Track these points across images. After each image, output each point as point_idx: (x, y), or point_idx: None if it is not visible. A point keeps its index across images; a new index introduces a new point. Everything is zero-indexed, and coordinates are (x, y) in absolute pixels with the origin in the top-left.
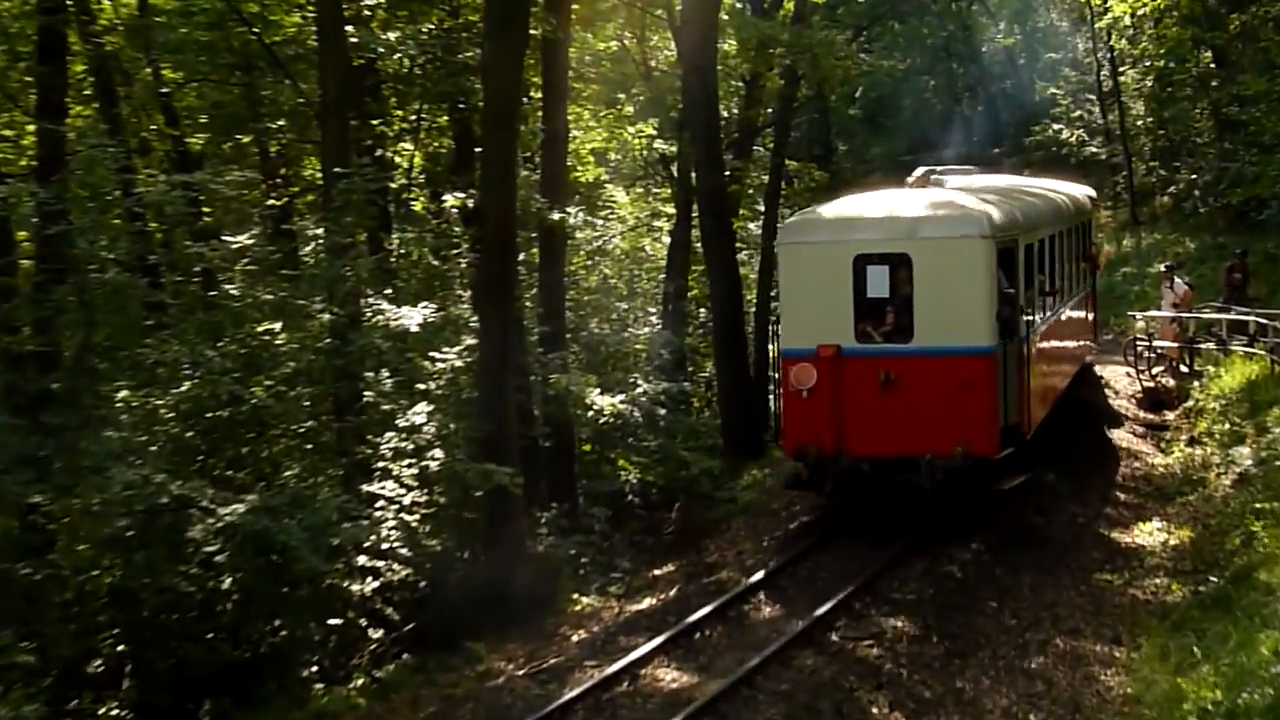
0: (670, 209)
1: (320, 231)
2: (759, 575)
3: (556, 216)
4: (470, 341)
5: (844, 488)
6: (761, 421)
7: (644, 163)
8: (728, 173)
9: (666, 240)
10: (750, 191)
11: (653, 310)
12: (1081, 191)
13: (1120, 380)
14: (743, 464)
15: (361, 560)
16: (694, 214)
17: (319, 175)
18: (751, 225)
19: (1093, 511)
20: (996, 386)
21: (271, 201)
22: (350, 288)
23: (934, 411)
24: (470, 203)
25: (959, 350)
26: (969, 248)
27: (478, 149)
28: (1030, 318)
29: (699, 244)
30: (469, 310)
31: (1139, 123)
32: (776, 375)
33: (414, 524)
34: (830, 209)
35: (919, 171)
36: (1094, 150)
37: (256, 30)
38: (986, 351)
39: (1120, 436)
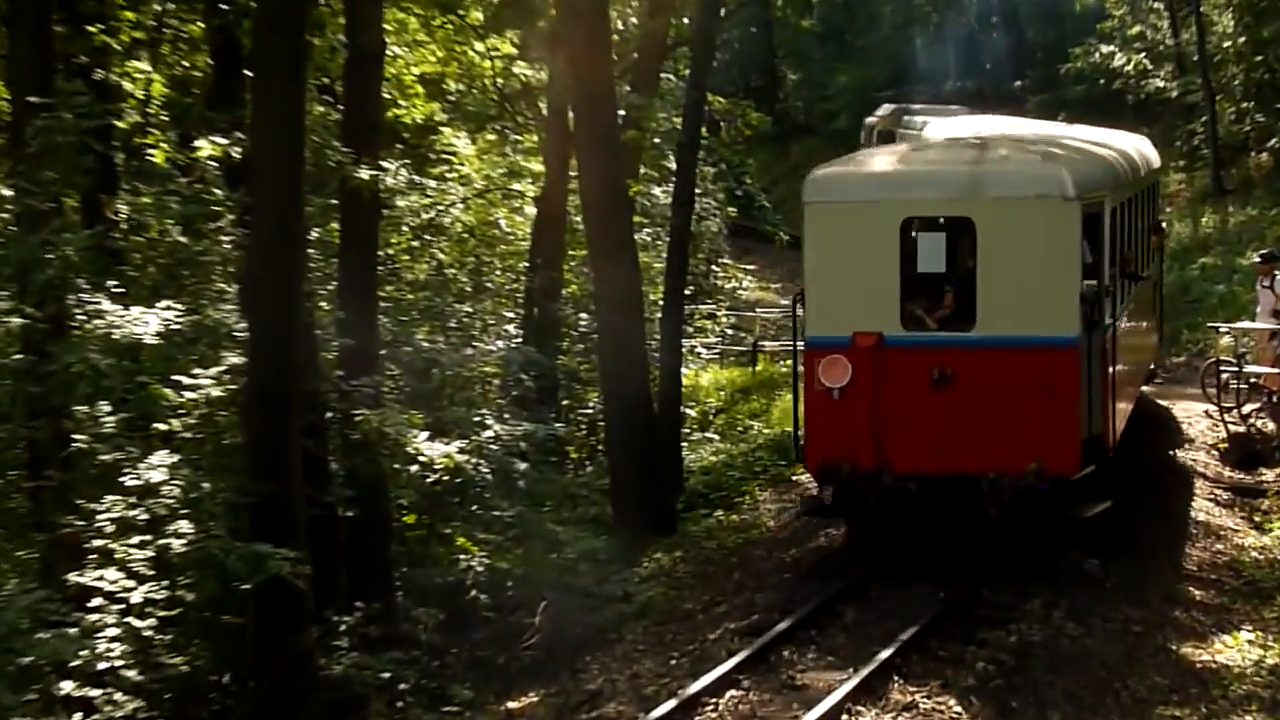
0: (537, 165)
1: (5, 192)
2: (662, 710)
3: (366, 175)
4: (235, 360)
5: (884, 514)
6: (671, 480)
7: (499, 97)
8: (622, 113)
9: (531, 212)
10: (656, 141)
11: (510, 316)
12: (1143, 145)
13: (1195, 421)
14: (643, 543)
15: (67, 688)
16: (573, 173)
17: (5, 107)
18: (657, 191)
19: (1155, 615)
20: (1080, 388)
21: None
22: (51, 277)
23: (1001, 418)
24: (237, 152)
25: (1035, 341)
26: (1050, 210)
27: (248, 71)
28: (1113, 304)
29: (579, 218)
30: (234, 314)
31: (1226, 45)
32: (800, 369)
33: (148, 633)
34: (871, 159)
35: (882, 111)
36: (1161, 84)
37: None
38: (1069, 343)
39: (1195, 503)
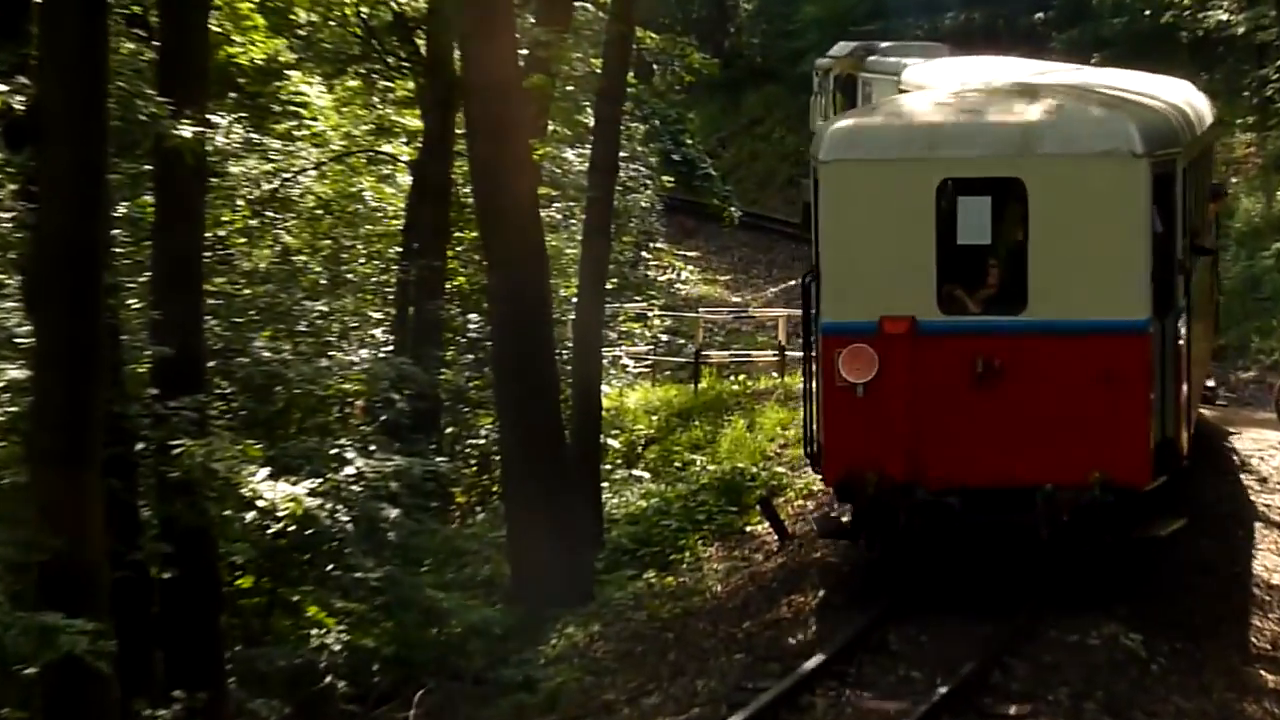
0: (413, 120)
1: None
2: None
3: (188, 132)
4: (16, 374)
5: (917, 535)
6: (587, 532)
7: (363, 31)
8: (524, 52)
9: (405, 182)
10: (569, 89)
11: (378, 317)
12: (1193, 95)
13: (1269, 455)
14: (550, 614)
15: None
16: (459, 130)
17: None
18: (570, 154)
19: (1215, 708)
20: (1151, 381)
21: None
22: None
23: (1057, 418)
24: (19, 102)
25: (1097, 326)
26: (1115, 170)
27: None
28: (1186, 283)
29: (467, 189)
30: (16, 315)
31: None
32: (813, 359)
33: None
34: (897, 108)
35: (839, 50)
36: (1224, 17)
37: None
38: (1138, 328)
39: (1266, 561)
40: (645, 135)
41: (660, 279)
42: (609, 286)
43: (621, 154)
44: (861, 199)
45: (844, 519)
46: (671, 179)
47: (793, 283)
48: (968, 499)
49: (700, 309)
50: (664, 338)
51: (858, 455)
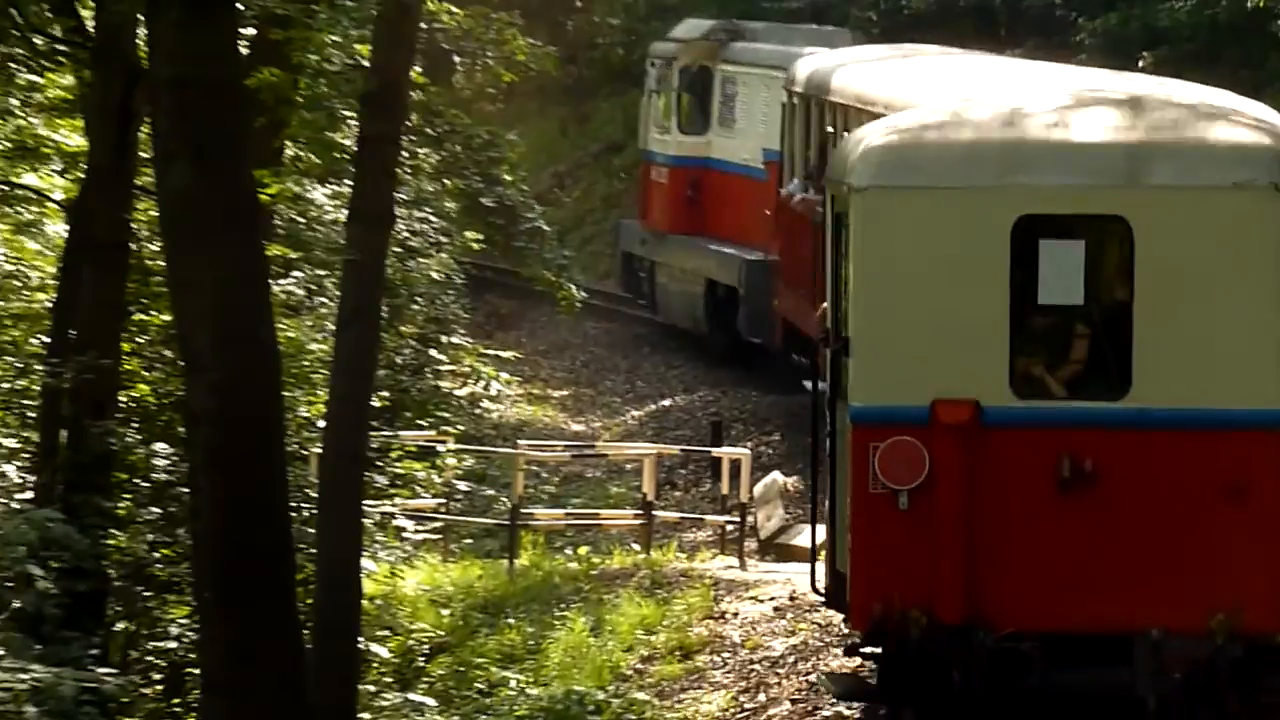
0: (73, 136)
1: None
2: None
3: None
4: None
5: (977, 698)
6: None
7: None
8: (250, 32)
9: (60, 234)
10: (321, 91)
11: (12, 446)
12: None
13: None
14: None
15: None
16: (145, 156)
17: None
18: (320, 194)
19: None
20: None
21: None
22: None
23: (1169, 541)
24: None
25: (1224, 418)
26: (1252, 206)
27: None
28: None
29: (157, 250)
30: None
31: None
32: (829, 454)
33: None
34: (958, 114)
35: (687, 31)
36: None
37: None
38: (1275, 422)
39: None
40: (440, 167)
41: (458, 393)
42: (377, 404)
43: (402, 196)
44: (908, 238)
45: (869, 678)
46: (480, 237)
47: (666, 402)
48: (1051, 648)
49: (521, 442)
50: (463, 486)
51: (896, 586)
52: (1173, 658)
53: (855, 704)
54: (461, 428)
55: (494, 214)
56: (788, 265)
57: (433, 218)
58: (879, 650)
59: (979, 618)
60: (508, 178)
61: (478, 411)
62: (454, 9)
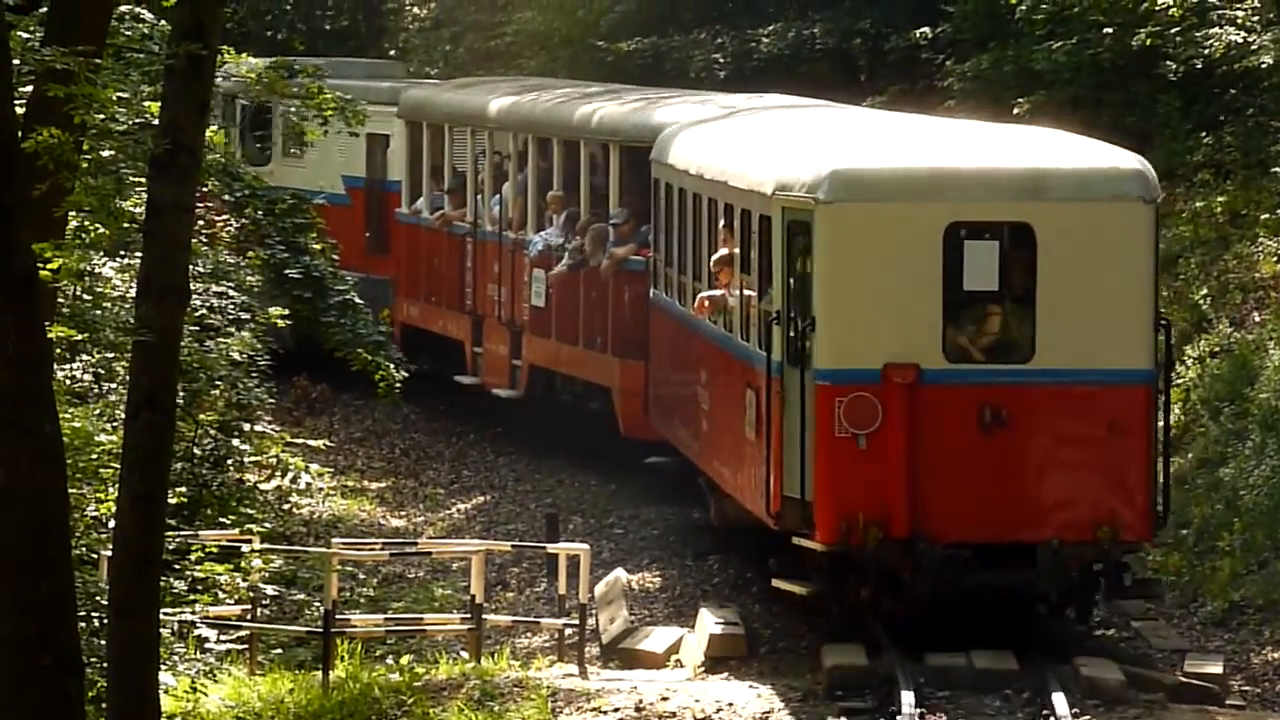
0: None
1: None
2: None
3: None
4: None
5: (924, 595)
6: None
7: None
8: (27, 90)
9: None
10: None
11: None
12: None
13: None
14: None
15: None
16: None
17: None
18: (110, 268)
19: None
20: (1152, 434)
21: None
22: None
23: (1065, 469)
24: None
25: (1106, 376)
26: (1127, 216)
27: None
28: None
29: None
30: None
31: None
32: (773, 402)
33: None
34: (896, 146)
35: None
36: (1240, 39)
37: None
38: (1145, 379)
39: None
40: (242, 235)
41: (265, 487)
42: (173, 500)
43: (199, 269)
44: (862, 241)
45: (820, 591)
46: (285, 313)
47: (496, 493)
48: (979, 555)
49: (335, 540)
50: (270, 590)
51: (858, 507)
52: (1068, 559)
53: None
54: (268, 525)
55: (301, 286)
56: (408, 278)
57: (233, 292)
58: (795, 588)
59: (921, 532)
60: (315, 246)
61: (286, 507)
62: (256, 60)
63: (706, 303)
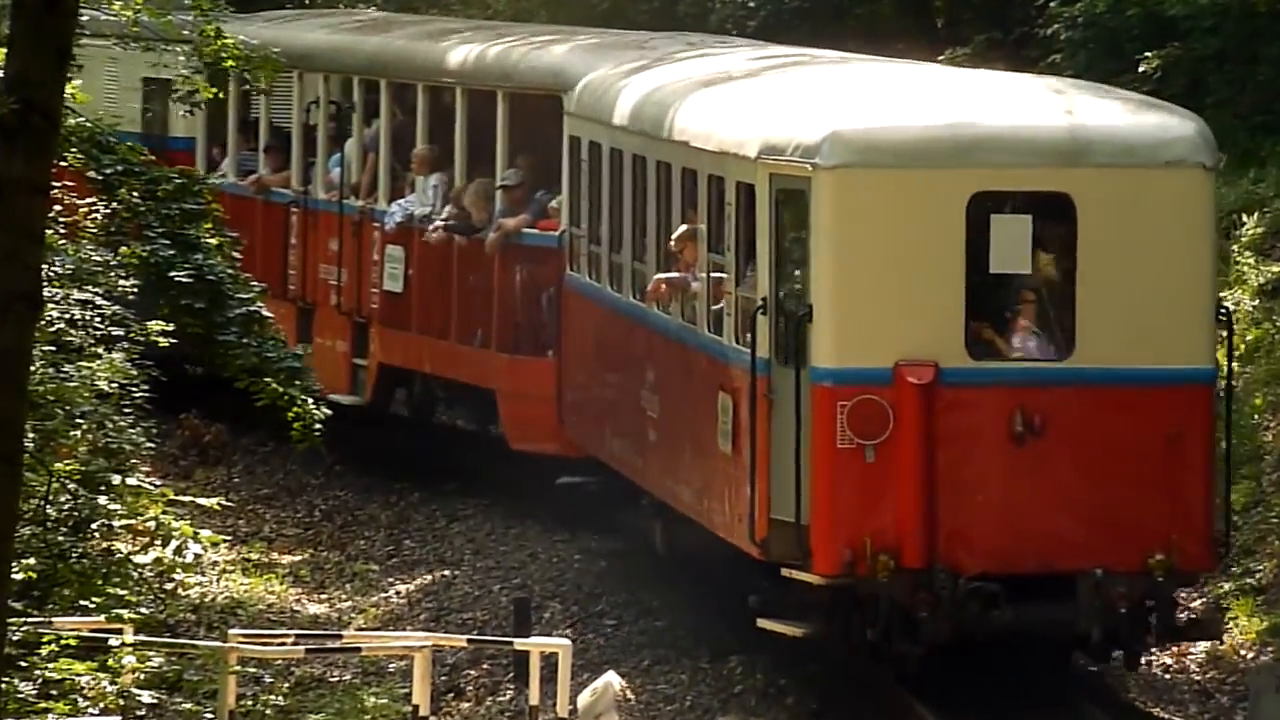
0: None
1: None
2: None
3: None
4: None
5: (943, 634)
6: None
7: None
8: None
9: None
10: None
11: None
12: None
13: None
14: None
15: None
16: None
17: None
18: None
19: None
20: (1213, 445)
21: None
22: None
23: (1110, 486)
24: None
25: (1159, 376)
26: (1183, 185)
27: None
28: None
29: None
30: None
31: None
32: (761, 405)
33: None
34: (910, 101)
35: None
36: None
37: None
38: (1205, 379)
39: None
40: (114, 225)
41: (140, 559)
42: (19, 575)
43: (55, 269)
44: (869, 215)
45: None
46: (169, 328)
47: (448, 570)
48: (1009, 587)
49: (234, 631)
50: (147, 697)
51: (863, 531)
52: (1116, 594)
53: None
54: (145, 611)
55: (191, 293)
56: None
57: (101, 300)
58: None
59: (940, 561)
60: (210, 241)
61: (169, 586)
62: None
63: (664, 287)
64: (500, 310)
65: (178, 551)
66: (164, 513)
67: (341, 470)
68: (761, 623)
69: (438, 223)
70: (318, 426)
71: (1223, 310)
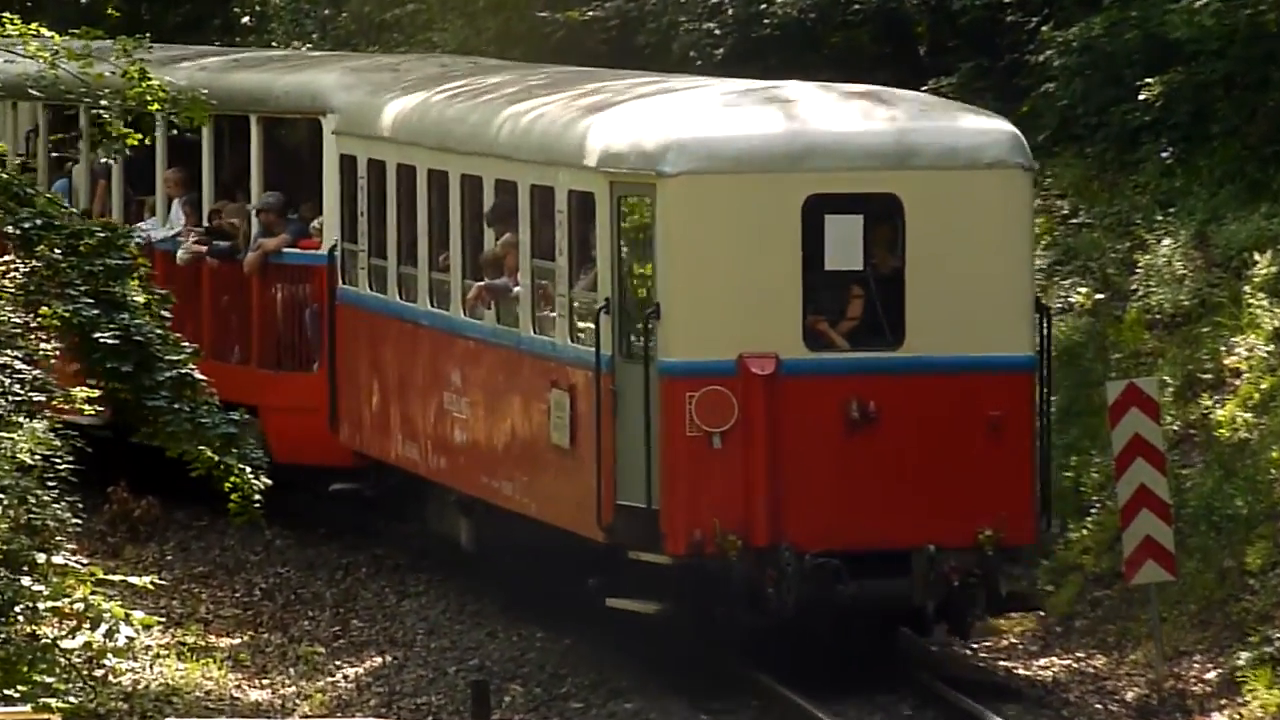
0: None
1: None
2: None
3: None
4: None
5: (790, 610)
6: None
7: None
8: None
9: None
10: None
11: None
12: None
13: None
14: None
15: None
16: None
17: None
18: None
19: None
20: (1035, 428)
21: None
22: None
23: (940, 467)
24: None
25: (983, 363)
26: (1003, 185)
27: None
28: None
29: None
30: None
31: None
32: (608, 399)
33: None
34: (746, 111)
35: None
36: None
37: None
38: (1026, 366)
39: None
40: (33, 284)
41: (67, 644)
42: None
43: None
44: (711, 216)
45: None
46: (95, 394)
47: (400, 651)
48: (848, 564)
49: None
50: None
51: (711, 514)
52: (946, 567)
53: None
54: (73, 700)
55: (118, 356)
56: None
57: (20, 364)
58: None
59: (785, 539)
60: (138, 299)
61: (100, 673)
62: (44, 30)
63: (485, 294)
64: (261, 328)
65: (108, 635)
66: (93, 593)
67: (283, 545)
68: (611, 602)
69: (190, 243)
70: (257, 498)
71: (1039, 303)
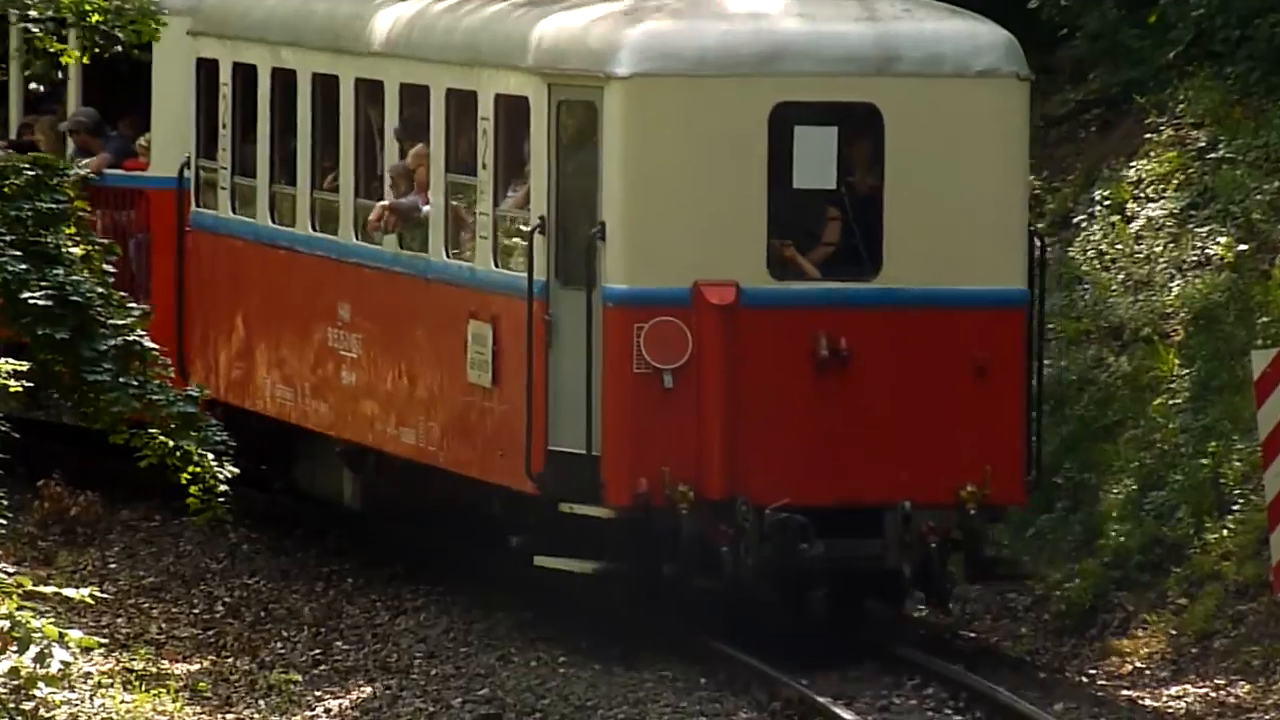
0: None
1: None
2: None
3: None
4: None
5: (747, 571)
6: None
7: None
8: None
9: None
10: None
11: None
12: None
13: None
14: None
15: None
16: None
17: None
18: None
19: None
20: (1026, 372)
21: None
22: None
23: (918, 414)
24: None
25: (970, 297)
26: (995, 96)
27: None
28: None
29: None
30: None
31: None
32: (542, 329)
33: None
34: (708, 6)
35: None
36: None
37: None
38: (1017, 301)
39: None
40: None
41: None
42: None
43: None
44: (664, 127)
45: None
46: (23, 367)
47: (393, 679)
48: (816, 521)
49: None
50: None
51: (660, 463)
52: (923, 527)
53: None
54: None
55: (50, 320)
56: None
57: None
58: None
59: (742, 492)
60: (75, 250)
61: (30, 705)
62: None
63: (390, 215)
64: None
65: (39, 659)
66: (20, 609)
67: (251, 550)
68: (540, 561)
69: None
70: (221, 489)
71: (1033, 232)
